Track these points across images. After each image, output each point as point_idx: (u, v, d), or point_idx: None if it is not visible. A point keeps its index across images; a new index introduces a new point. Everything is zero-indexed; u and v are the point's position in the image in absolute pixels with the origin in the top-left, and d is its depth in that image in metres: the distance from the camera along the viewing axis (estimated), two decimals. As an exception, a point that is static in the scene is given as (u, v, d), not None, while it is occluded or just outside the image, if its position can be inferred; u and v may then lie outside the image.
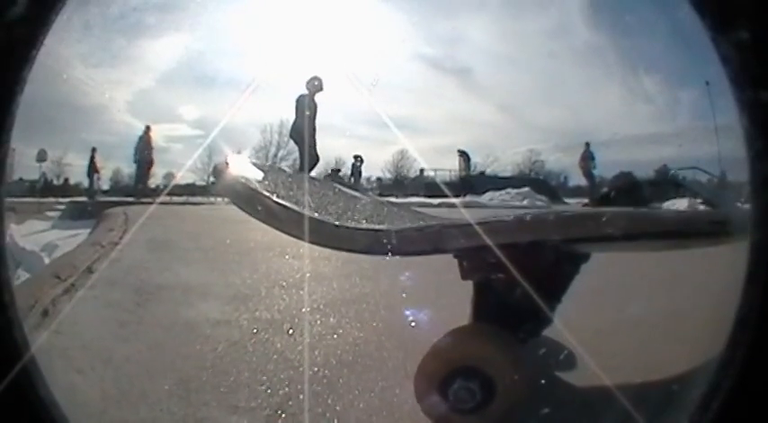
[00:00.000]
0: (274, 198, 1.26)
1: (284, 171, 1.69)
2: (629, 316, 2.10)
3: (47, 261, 6.59)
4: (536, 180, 11.71)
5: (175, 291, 2.40)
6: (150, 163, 10.82)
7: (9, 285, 0.69)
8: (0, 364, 0.63)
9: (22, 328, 0.70)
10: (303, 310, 2.45)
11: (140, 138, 10.23)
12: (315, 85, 7.90)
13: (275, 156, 12.78)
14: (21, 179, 13.15)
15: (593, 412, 1.60)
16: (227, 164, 1.34)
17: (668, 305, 2.22)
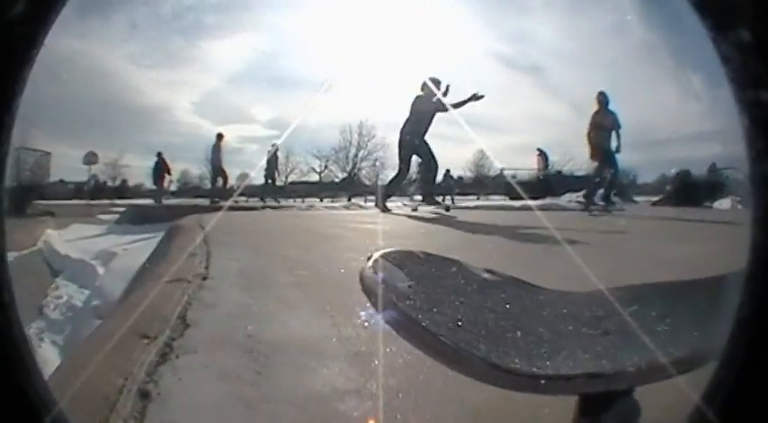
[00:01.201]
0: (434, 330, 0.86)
1: (429, 259, 1.23)
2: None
3: (101, 271, 6.14)
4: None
5: (291, 350, 1.95)
6: (224, 172, 10.49)
7: (9, 285, 0.69)
8: (0, 365, 0.63)
9: (22, 328, 0.70)
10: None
11: (213, 146, 9.96)
12: (432, 90, 7.45)
13: (355, 156, 12.63)
14: (61, 181, 12.89)
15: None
16: (373, 268, 1.01)
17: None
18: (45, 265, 8.64)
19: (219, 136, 10.11)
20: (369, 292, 0.96)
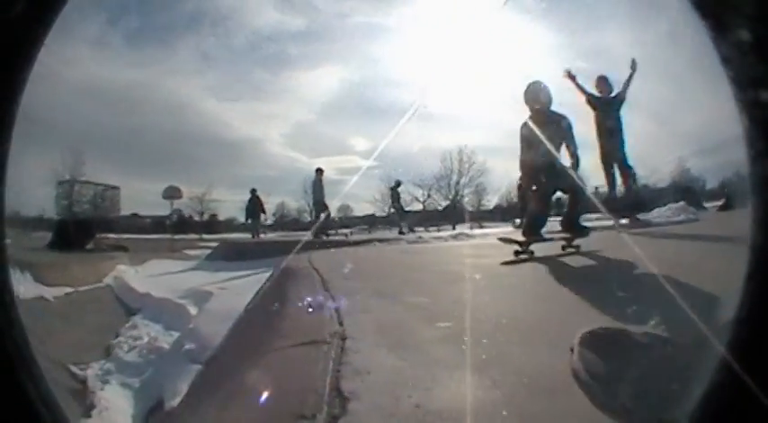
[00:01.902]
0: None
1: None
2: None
3: (193, 311, 5.39)
4: (687, 189, 11.13)
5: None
6: (326, 206, 10.00)
7: (9, 285, 0.69)
8: (0, 364, 0.63)
9: (23, 328, 0.70)
10: None
11: (314, 181, 9.49)
12: (537, 97, 4.91)
13: (457, 183, 12.08)
14: (135, 215, 12.23)
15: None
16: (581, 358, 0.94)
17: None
18: (115, 303, 7.85)
19: (319, 171, 9.67)
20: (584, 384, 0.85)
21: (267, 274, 5.08)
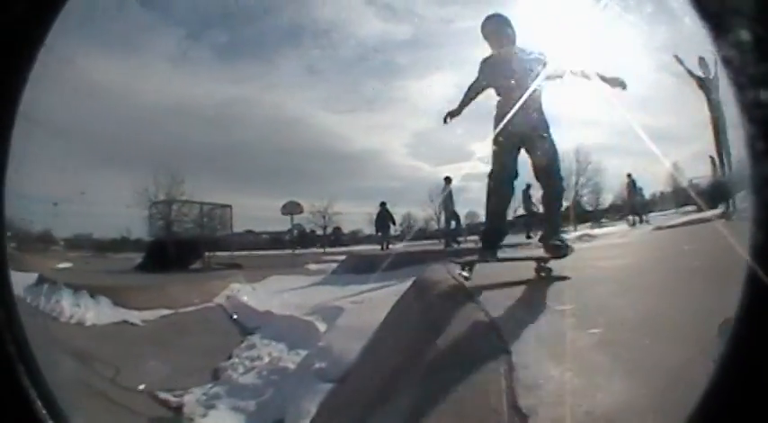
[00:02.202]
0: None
1: None
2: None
3: (321, 328, 4.93)
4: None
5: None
6: (456, 215, 9.78)
7: (9, 285, 0.68)
8: (0, 364, 0.63)
9: (23, 328, 0.70)
10: None
11: (443, 190, 9.22)
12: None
13: (576, 184, 11.89)
14: (249, 232, 11.90)
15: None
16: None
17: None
18: (228, 323, 7.33)
19: (448, 179, 9.43)
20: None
21: (400, 286, 4.58)
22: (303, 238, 11.61)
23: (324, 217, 11.35)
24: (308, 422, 3.15)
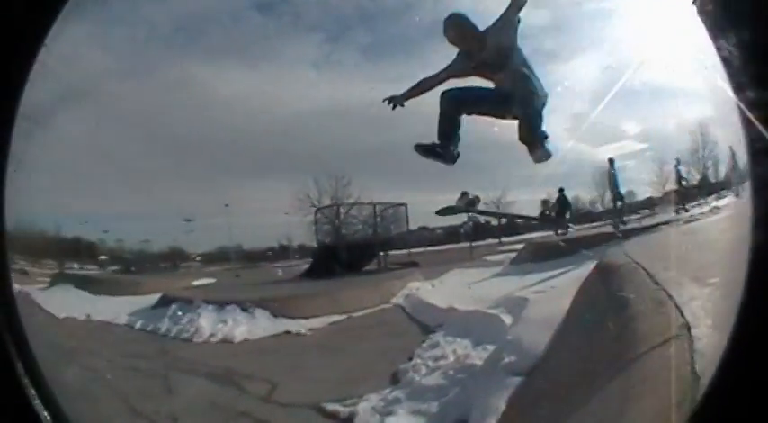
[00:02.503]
0: None
1: None
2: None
3: (507, 320, 4.72)
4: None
5: None
6: (621, 196, 9.53)
7: (9, 285, 0.68)
8: (0, 364, 0.63)
9: (23, 328, 0.70)
10: None
11: (609, 172, 9.01)
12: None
13: (702, 156, 11.50)
14: (423, 228, 11.55)
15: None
16: None
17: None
18: (407, 323, 6.77)
19: (611, 161, 9.42)
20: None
21: (580, 272, 4.41)
22: (478, 231, 11.17)
23: (497, 207, 10.79)
24: (495, 420, 3.00)
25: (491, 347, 4.28)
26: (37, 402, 0.67)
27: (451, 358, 4.59)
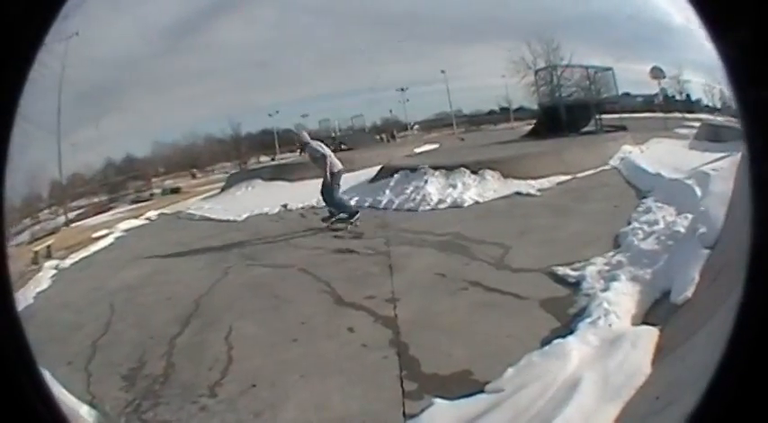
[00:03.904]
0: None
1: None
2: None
3: (698, 192, 4.80)
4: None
5: None
6: None
7: (9, 285, 0.68)
8: (0, 364, 0.63)
9: (22, 328, 0.70)
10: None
11: None
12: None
13: None
14: (627, 94, 11.47)
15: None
16: None
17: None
18: (624, 186, 6.85)
19: None
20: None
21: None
22: (667, 103, 11.22)
23: (678, 83, 10.77)
24: (691, 291, 3.10)
25: (690, 216, 4.47)
26: (37, 402, 0.67)
27: (662, 225, 4.71)
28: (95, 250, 7.61)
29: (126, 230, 8.67)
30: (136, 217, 9.51)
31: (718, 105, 9.17)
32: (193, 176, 12.75)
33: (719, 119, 9.33)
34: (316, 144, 6.92)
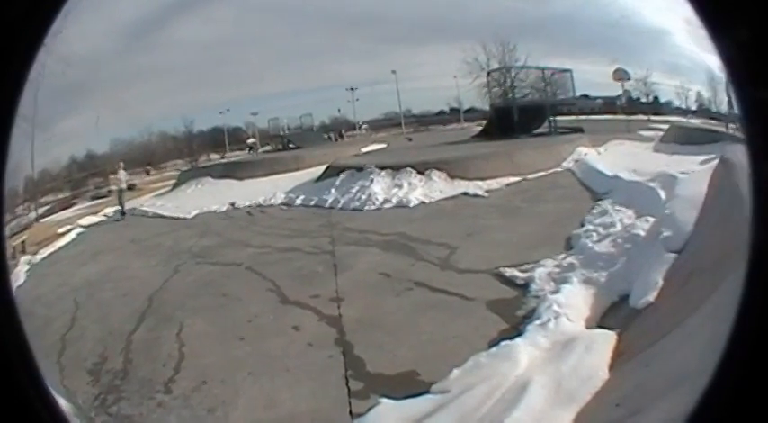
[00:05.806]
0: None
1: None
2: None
3: (663, 196, 4.69)
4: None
5: None
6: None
7: (9, 285, 0.68)
8: (0, 364, 0.63)
9: (22, 328, 0.70)
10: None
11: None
12: None
13: None
14: (585, 96, 11.51)
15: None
16: None
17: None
18: (578, 188, 6.72)
19: None
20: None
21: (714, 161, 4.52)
22: (630, 105, 11.20)
23: (645, 85, 10.77)
24: (653, 296, 3.05)
25: (651, 220, 4.35)
26: (37, 402, 0.67)
27: (619, 227, 4.58)
28: (60, 246, 7.86)
29: (86, 226, 9.00)
30: (95, 213, 9.85)
31: (693, 108, 9.22)
32: (148, 173, 12.98)
33: (694, 121, 9.44)
34: None
